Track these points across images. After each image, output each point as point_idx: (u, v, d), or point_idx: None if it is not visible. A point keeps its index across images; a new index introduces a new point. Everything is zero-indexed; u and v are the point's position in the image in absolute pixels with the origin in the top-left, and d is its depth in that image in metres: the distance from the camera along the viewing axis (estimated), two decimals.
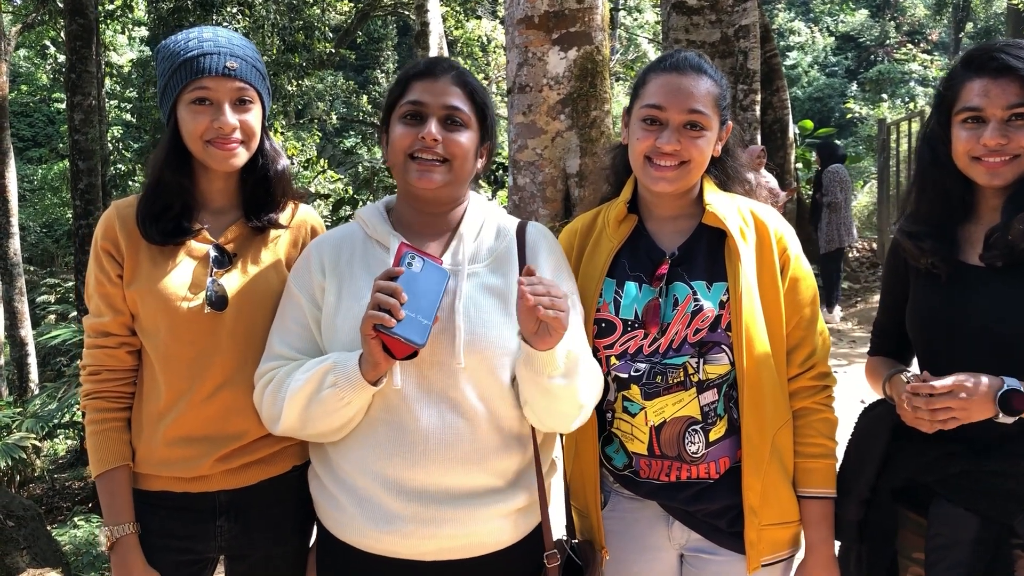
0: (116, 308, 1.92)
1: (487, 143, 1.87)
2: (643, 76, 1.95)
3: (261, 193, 2.00)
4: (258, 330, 1.91)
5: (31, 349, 11.83)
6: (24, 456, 7.83)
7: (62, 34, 14.29)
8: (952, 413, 1.70)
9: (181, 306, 1.87)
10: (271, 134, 2.03)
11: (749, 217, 1.93)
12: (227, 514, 1.95)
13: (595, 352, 1.90)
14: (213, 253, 1.92)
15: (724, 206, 1.91)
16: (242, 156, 1.91)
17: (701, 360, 1.86)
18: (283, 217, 2.03)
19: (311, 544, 2.05)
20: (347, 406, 1.67)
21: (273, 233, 2.01)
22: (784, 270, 1.90)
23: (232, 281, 1.92)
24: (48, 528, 5.10)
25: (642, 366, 1.89)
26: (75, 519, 7.38)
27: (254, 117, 1.92)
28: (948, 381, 1.70)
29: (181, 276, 1.90)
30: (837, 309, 9.77)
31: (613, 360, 1.91)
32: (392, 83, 1.88)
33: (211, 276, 1.90)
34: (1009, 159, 1.76)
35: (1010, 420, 1.69)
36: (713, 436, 1.87)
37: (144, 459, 1.93)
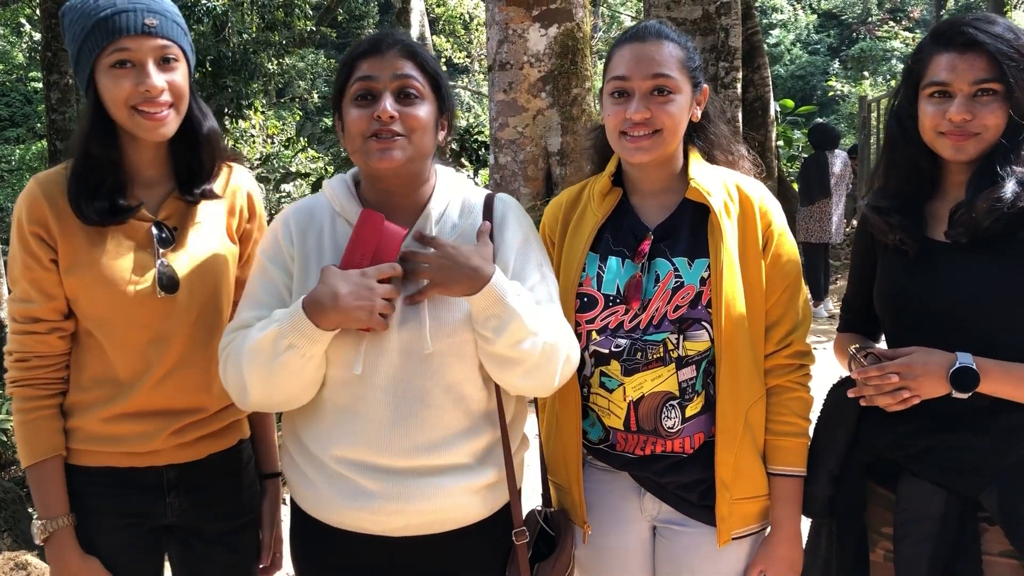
0: (48, 294, 1.80)
1: (446, 114, 1.81)
2: (609, 53, 1.95)
3: (194, 160, 1.89)
4: (211, 305, 1.87)
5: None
6: (4, 439, 7.78)
7: (37, 12, 14.09)
8: (904, 394, 1.73)
9: (129, 290, 1.80)
10: (198, 95, 1.91)
11: (735, 191, 1.92)
12: (176, 490, 1.91)
13: (576, 327, 1.92)
14: (156, 232, 1.84)
15: (709, 181, 1.91)
16: (172, 122, 1.80)
17: (681, 337, 1.87)
18: (217, 185, 1.94)
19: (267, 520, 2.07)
20: (310, 360, 1.64)
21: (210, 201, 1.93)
22: (767, 245, 1.90)
23: (179, 259, 1.86)
24: (29, 510, 5.09)
25: (623, 342, 1.89)
26: None
27: (181, 76, 1.80)
28: (894, 364, 1.73)
29: (125, 259, 1.81)
30: (824, 304, 8.88)
31: (594, 335, 1.92)
32: (338, 66, 1.81)
33: (159, 257, 1.83)
34: (972, 135, 1.76)
35: (964, 396, 1.71)
36: (690, 412, 1.88)
37: (87, 435, 1.86)
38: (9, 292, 1.88)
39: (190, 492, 1.93)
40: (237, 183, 1.99)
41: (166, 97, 1.77)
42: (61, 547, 1.83)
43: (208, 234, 1.91)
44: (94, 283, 1.80)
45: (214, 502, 1.96)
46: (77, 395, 1.88)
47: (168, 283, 1.82)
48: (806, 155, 12.05)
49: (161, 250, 1.84)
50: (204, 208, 1.92)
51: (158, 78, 1.75)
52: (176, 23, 1.80)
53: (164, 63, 1.77)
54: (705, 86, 1.96)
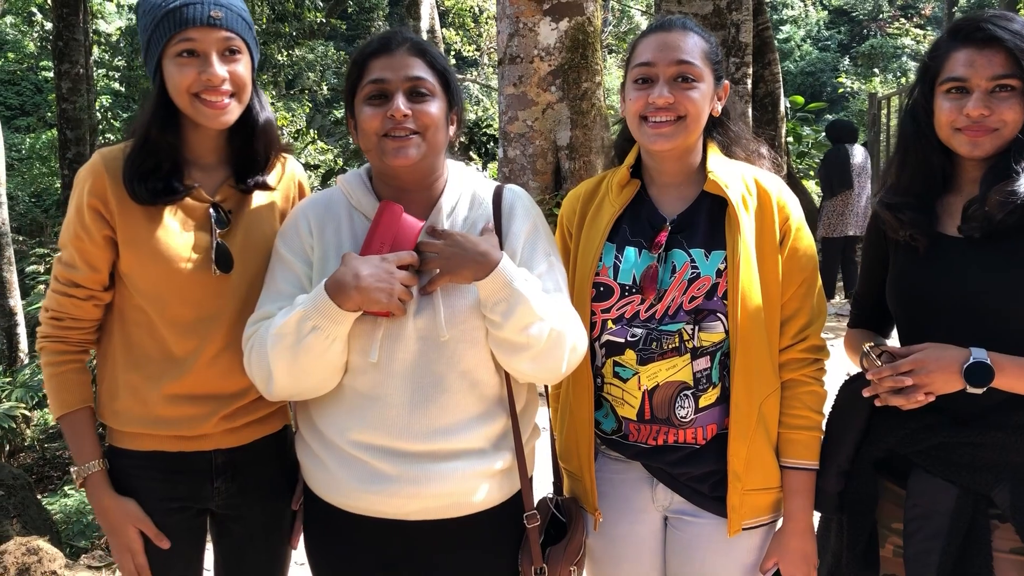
0: (93, 266, 1.88)
1: (455, 109, 1.86)
2: (632, 44, 1.98)
3: (249, 150, 1.96)
4: (259, 288, 1.90)
5: (20, 319, 11.76)
6: (14, 425, 7.82)
7: (49, 1, 14.12)
8: (919, 396, 1.73)
9: (185, 268, 1.86)
10: (260, 88, 1.99)
11: (752, 185, 1.93)
12: (224, 475, 1.97)
13: (592, 316, 1.94)
14: (213, 213, 1.90)
15: (727, 174, 1.92)
16: (234, 111, 1.87)
17: (696, 327, 1.88)
18: (272, 177, 2.01)
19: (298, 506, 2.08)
20: (333, 342, 1.68)
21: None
22: (784, 239, 1.91)
23: (234, 240, 1.92)
24: (38, 497, 5.12)
25: (639, 331, 1.91)
26: (65, 488, 7.40)
27: (243, 68, 1.87)
28: (907, 360, 1.73)
29: (183, 238, 1.88)
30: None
31: (610, 324, 1.93)
32: (349, 65, 1.86)
33: (215, 238, 1.89)
34: (990, 130, 1.76)
35: (979, 391, 1.71)
36: (703, 402, 1.90)
37: (139, 417, 1.92)
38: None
39: (236, 477, 1.98)
40: (292, 172, 2.08)
41: (227, 87, 1.84)
42: (95, 489, 1.93)
43: (262, 218, 1.98)
44: (151, 258, 1.86)
45: (258, 487, 2.01)
46: (128, 373, 1.93)
47: (224, 261, 1.88)
48: (815, 151, 11.98)
49: (217, 230, 1.90)
50: (259, 194, 1.99)
51: (220, 68, 1.82)
52: (241, 17, 1.87)
53: (228, 54, 1.84)
54: (726, 82, 1.98)
